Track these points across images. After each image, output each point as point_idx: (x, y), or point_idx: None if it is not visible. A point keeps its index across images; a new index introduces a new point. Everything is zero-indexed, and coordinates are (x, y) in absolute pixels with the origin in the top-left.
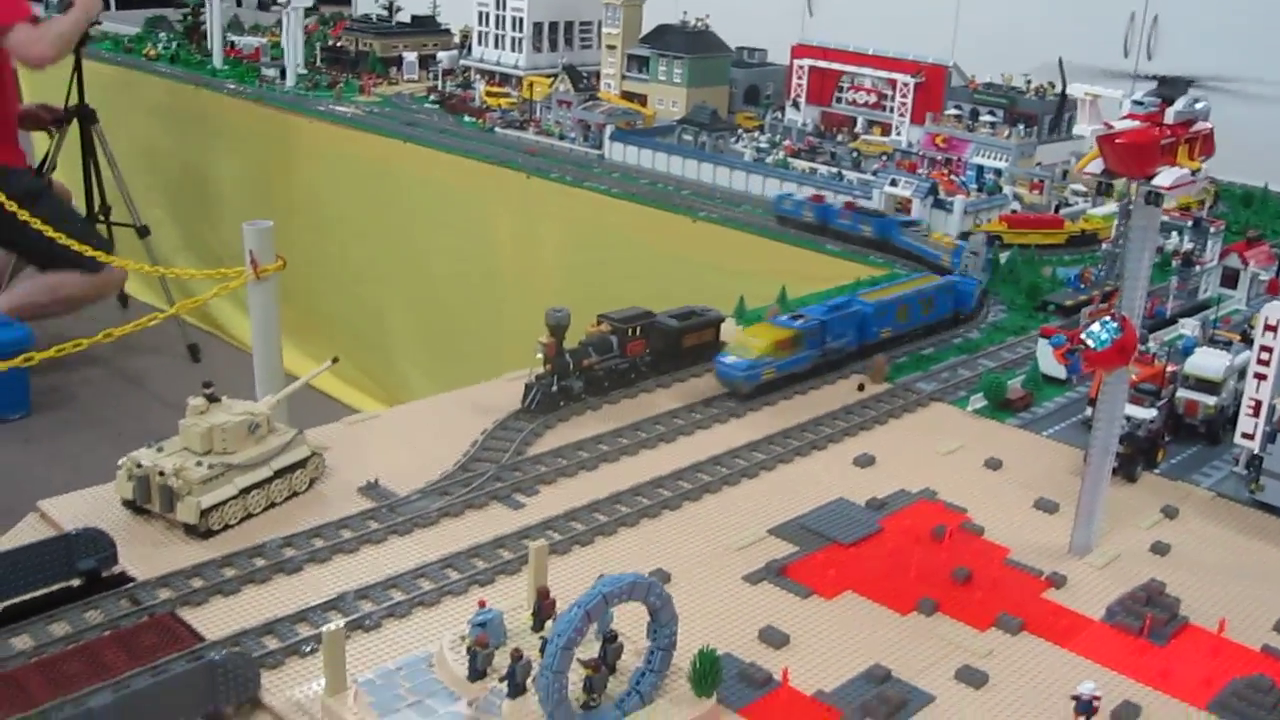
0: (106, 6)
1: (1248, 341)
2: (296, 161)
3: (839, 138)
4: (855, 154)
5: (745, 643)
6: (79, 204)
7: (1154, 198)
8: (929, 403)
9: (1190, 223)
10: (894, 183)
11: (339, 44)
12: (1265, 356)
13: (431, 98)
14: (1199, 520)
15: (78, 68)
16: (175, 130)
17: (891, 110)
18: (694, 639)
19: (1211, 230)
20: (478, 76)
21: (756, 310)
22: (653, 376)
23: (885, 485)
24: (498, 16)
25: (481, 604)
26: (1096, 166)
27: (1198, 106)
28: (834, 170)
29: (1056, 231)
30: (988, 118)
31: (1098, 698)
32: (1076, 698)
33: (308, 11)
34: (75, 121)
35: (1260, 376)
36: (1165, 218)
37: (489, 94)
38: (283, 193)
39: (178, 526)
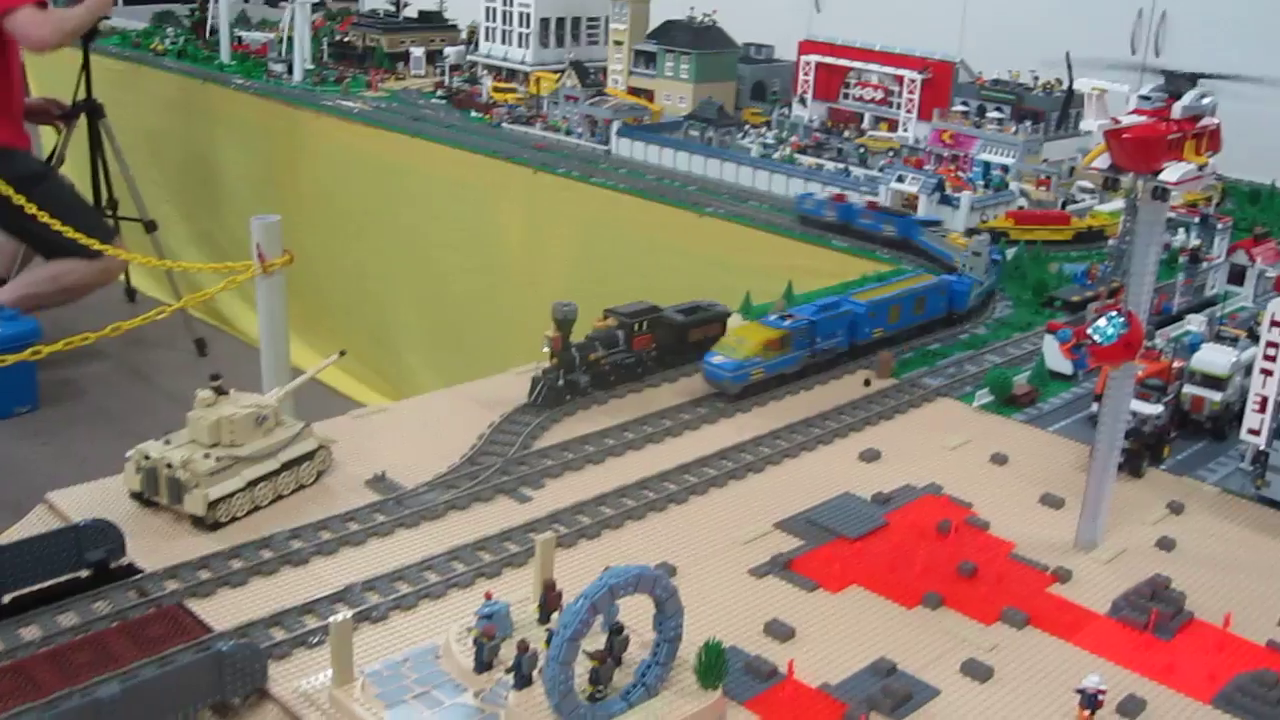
0: (115, 1)
1: (1254, 338)
2: (303, 156)
3: (846, 134)
4: (862, 150)
5: (751, 636)
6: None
7: (1160, 193)
8: (935, 398)
9: (1197, 219)
10: (901, 179)
11: (346, 39)
12: (1271, 353)
13: (439, 93)
14: (1205, 516)
15: (85, 62)
16: (183, 125)
17: (898, 106)
18: (700, 632)
19: (1219, 227)
20: (485, 72)
21: (763, 305)
22: (659, 371)
23: (891, 480)
24: (505, 12)
25: (488, 596)
26: (1103, 161)
27: (1204, 101)
28: (840, 166)
29: (1063, 228)
30: (995, 114)
31: (1103, 691)
32: (1081, 691)
33: (314, 6)
34: (83, 116)
35: (1266, 373)
36: (1172, 214)
37: (496, 89)
38: (290, 188)
39: (185, 518)
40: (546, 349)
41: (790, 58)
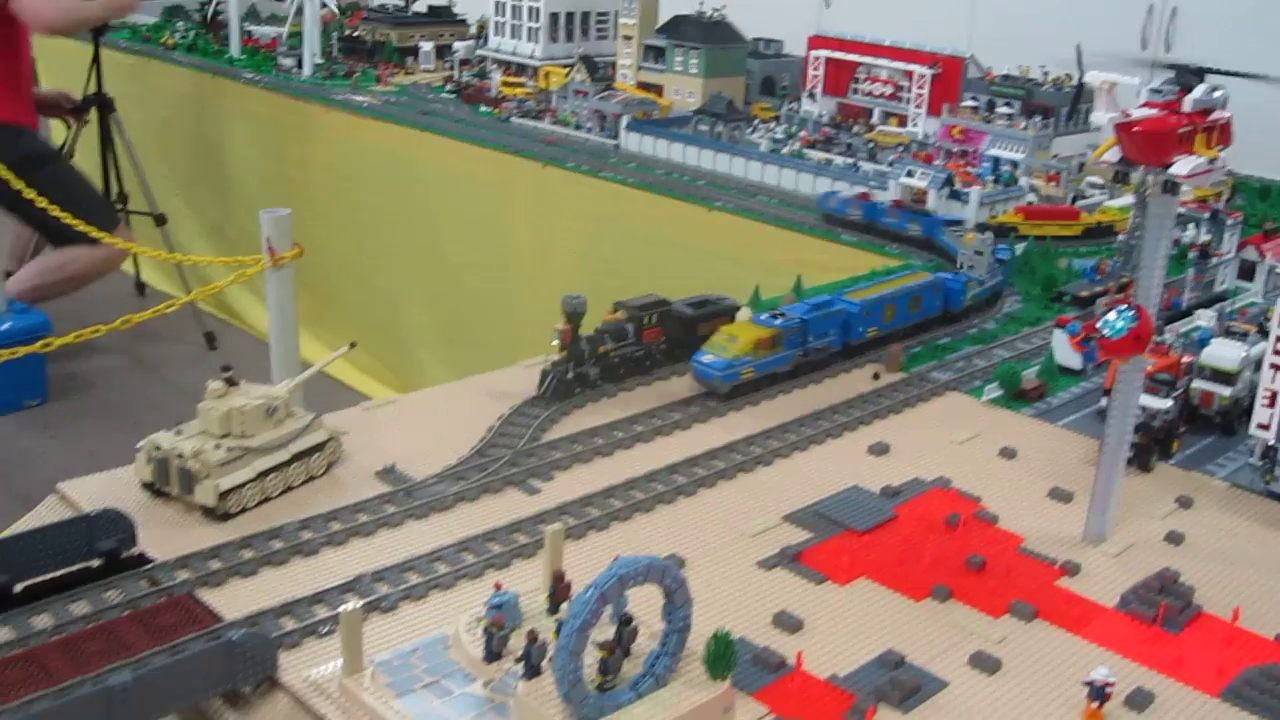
0: (135, 6)
1: (1264, 333)
2: (313, 150)
3: (855, 129)
4: (871, 145)
5: (759, 627)
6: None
7: (1171, 186)
8: (944, 392)
9: (1207, 215)
10: (910, 174)
11: (356, 34)
12: None
13: (448, 87)
14: (1213, 510)
15: (96, 56)
16: (193, 119)
17: (908, 102)
18: (709, 623)
19: (1229, 222)
20: (494, 66)
21: (772, 299)
22: (668, 364)
23: (900, 473)
24: (514, 6)
25: (497, 586)
26: (1114, 155)
27: (1215, 95)
28: (850, 161)
29: (1073, 223)
30: (1004, 109)
31: (1111, 684)
32: (1090, 683)
33: (324, 1)
34: (93, 110)
35: (1276, 368)
36: (1182, 209)
37: (505, 84)
38: (299, 182)
39: (196, 509)
40: (556, 342)
41: (800, 53)
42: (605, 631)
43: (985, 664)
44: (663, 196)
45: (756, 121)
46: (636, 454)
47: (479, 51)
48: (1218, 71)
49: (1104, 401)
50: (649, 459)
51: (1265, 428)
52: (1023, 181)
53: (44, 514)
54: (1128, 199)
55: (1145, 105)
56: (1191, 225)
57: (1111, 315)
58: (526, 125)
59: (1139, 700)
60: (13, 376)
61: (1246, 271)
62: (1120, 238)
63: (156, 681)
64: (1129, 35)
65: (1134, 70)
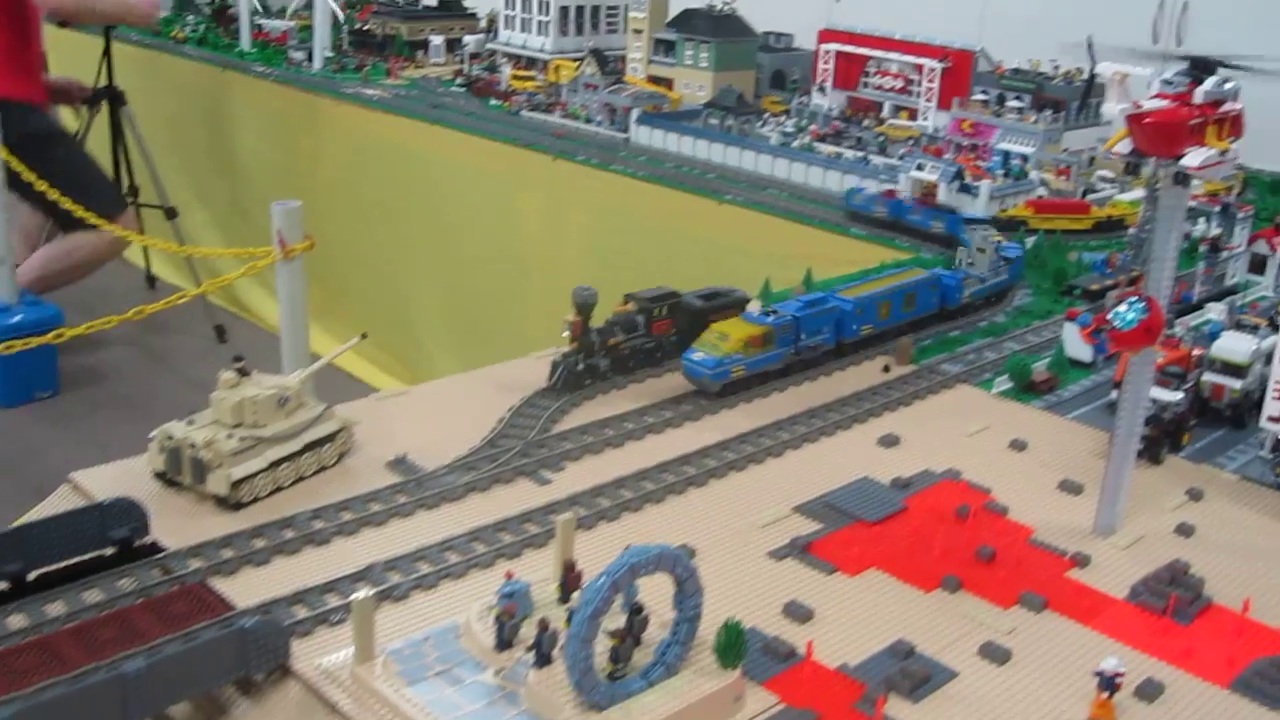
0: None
1: (1274, 326)
2: (323, 144)
3: (865, 122)
4: (881, 138)
5: (770, 617)
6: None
7: (1182, 178)
8: (954, 384)
9: (1218, 208)
10: (920, 167)
11: (366, 27)
12: None
13: (458, 81)
14: (1224, 503)
15: (107, 49)
16: (204, 112)
17: (918, 95)
18: (719, 613)
19: (1239, 216)
20: (504, 60)
21: (782, 292)
22: (678, 356)
23: (910, 465)
24: (524, 0)
25: (509, 575)
26: (1125, 146)
27: (1227, 87)
28: (860, 155)
29: (1083, 217)
30: (1014, 103)
31: (1121, 674)
32: (1100, 674)
33: None
34: (104, 103)
35: None
36: (1193, 203)
37: (515, 77)
38: (309, 174)
39: (208, 498)
40: (566, 333)
41: (810, 46)
42: (616, 620)
43: (995, 654)
44: (673, 190)
45: (766, 115)
46: (647, 445)
47: (489, 45)
48: (1229, 64)
49: (1114, 394)
50: (660, 450)
51: (1276, 420)
52: (1033, 175)
53: (57, 503)
54: (1138, 193)
55: (1157, 97)
56: (1202, 219)
57: (1122, 307)
58: (536, 119)
59: (1149, 691)
60: (24, 368)
61: (1257, 265)
62: (1131, 231)
63: (170, 669)
64: (1140, 30)
65: (1145, 63)
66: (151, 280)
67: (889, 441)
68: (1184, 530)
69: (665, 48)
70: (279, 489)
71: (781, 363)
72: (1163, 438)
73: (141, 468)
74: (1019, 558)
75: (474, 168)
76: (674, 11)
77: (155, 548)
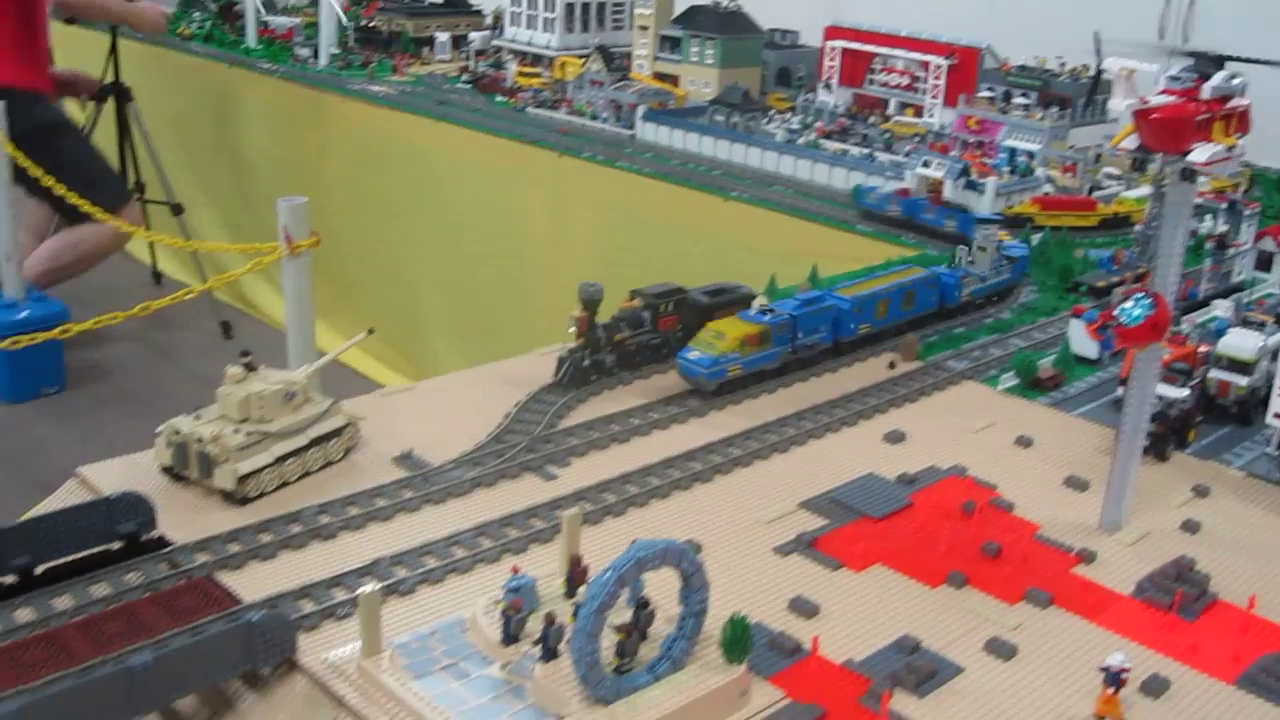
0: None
1: None
2: (329, 140)
3: (871, 119)
4: (887, 135)
5: (775, 612)
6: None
7: (1189, 174)
8: (960, 381)
9: (1225, 205)
10: (926, 164)
11: (372, 24)
12: None
13: (464, 78)
14: (1230, 500)
15: (113, 46)
16: (210, 109)
17: (924, 92)
18: (725, 608)
19: (1246, 213)
20: (510, 57)
21: (788, 288)
22: None
23: (916, 461)
24: None
25: (515, 570)
26: (1132, 142)
27: (1234, 82)
28: (866, 152)
29: (1089, 214)
30: (1021, 100)
31: (1127, 670)
32: (1106, 669)
33: None
34: (111, 99)
35: None
36: (1199, 200)
37: (521, 74)
38: (315, 171)
39: (215, 493)
40: (572, 329)
41: (816, 43)
42: (622, 615)
43: (1001, 650)
44: (678, 186)
45: (772, 112)
46: (653, 441)
47: (495, 42)
48: (1237, 59)
49: (1120, 391)
50: (665, 446)
51: None
52: (1039, 172)
53: (64, 498)
54: (1144, 190)
55: (1164, 92)
56: (1209, 216)
57: (1129, 303)
58: (542, 115)
59: (1155, 687)
60: (31, 364)
61: (1264, 262)
62: (1137, 228)
63: (176, 662)
64: (1146, 27)
65: (1152, 58)
66: (157, 276)
67: (894, 438)
68: (1190, 527)
69: (671, 44)
70: (285, 484)
71: (778, 362)
72: (1169, 434)
73: (148, 462)
74: (1025, 554)
75: (480, 164)
76: (680, 8)
77: (162, 542)
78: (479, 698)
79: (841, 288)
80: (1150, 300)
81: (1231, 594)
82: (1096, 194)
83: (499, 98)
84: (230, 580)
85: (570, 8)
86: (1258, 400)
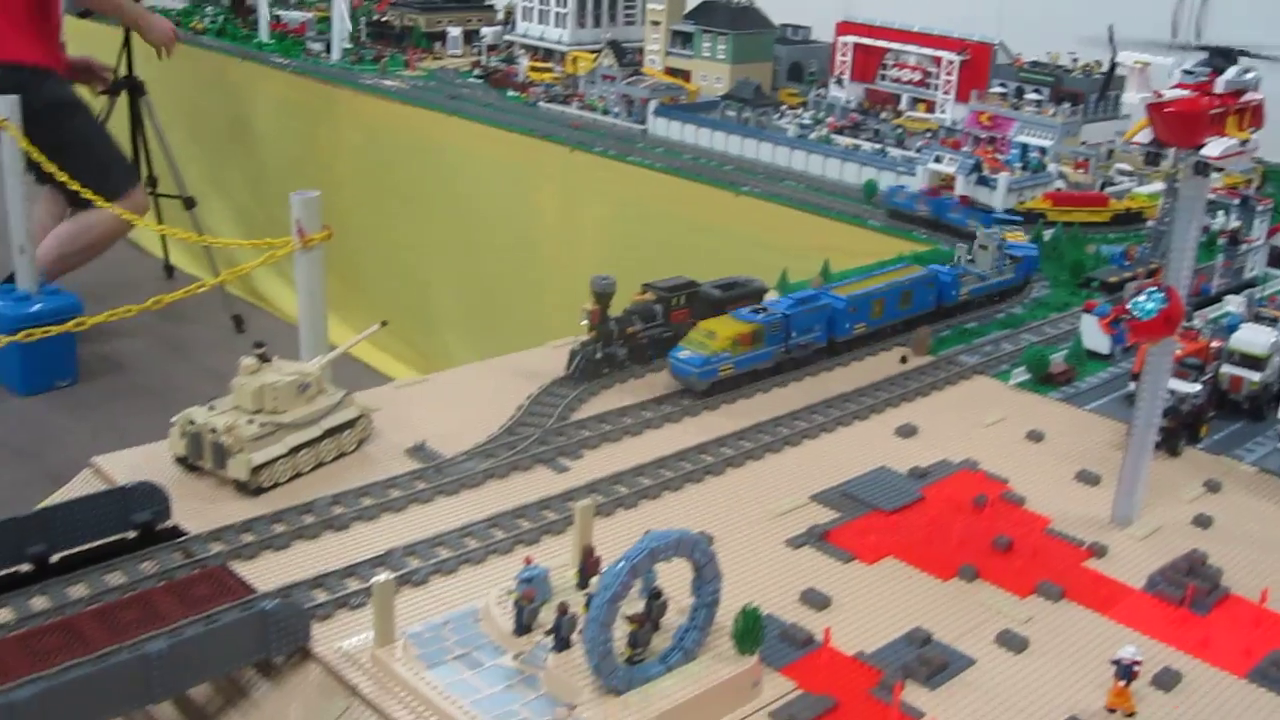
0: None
1: None
2: (341, 134)
3: (883, 115)
4: (899, 131)
5: (787, 604)
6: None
7: (1202, 168)
8: (971, 375)
9: (1238, 201)
10: (938, 160)
11: (384, 19)
12: None
13: (476, 72)
14: (1241, 494)
15: (127, 40)
16: (222, 103)
17: (936, 88)
18: (737, 600)
19: (1259, 209)
20: (522, 52)
21: (800, 283)
22: None
23: (927, 455)
24: None
25: (528, 561)
26: (1145, 136)
27: (1248, 76)
28: (878, 147)
29: (1101, 209)
30: (1033, 96)
31: (1138, 663)
32: (1117, 662)
33: None
34: (124, 93)
35: None
36: (1212, 196)
37: (533, 69)
38: (327, 165)
39: (229, 483)
40: (585, 322)
41: (827, 38)
42: (635, 605)
43: (1012, 642)
44: (690, 181)
45: (784, 107)
46: (665, 434)
47: (506, 37)
48: (1251, 54)
49: (1132, 386)
50: (678, 438)
51: None
52: (1051, 168)
53: (79, 488)
54: (1157, 185)
55: (1178, 86)
56: (1221, 212)
57: (1141, 297)
58: (554, 110)
59: (1166, 680)
60: (44, 357)
61: (1276, 258)
62: (1150, 224)
63: (191, 650)
64: (1159, 23)
65: (1166, 53)
66: (170, 270)
67: (906, 431)
68: (1201, 521)
69: (683, 39)
70: (299, 474)
71: (771, 361)
72: (1181, 429)
73: (163, 452)
74: (1036, 547)
75: (491, 159)
76: (692, 3)
77: (176, 531)
78: (491, 687)
79: (836, 286)
80: (1163, 295)
81: (1243, 588)
82: (1109, 190)
83: (511, 92)
84: (244, 570)
85: (582, 3)
86: (1270, 396)
